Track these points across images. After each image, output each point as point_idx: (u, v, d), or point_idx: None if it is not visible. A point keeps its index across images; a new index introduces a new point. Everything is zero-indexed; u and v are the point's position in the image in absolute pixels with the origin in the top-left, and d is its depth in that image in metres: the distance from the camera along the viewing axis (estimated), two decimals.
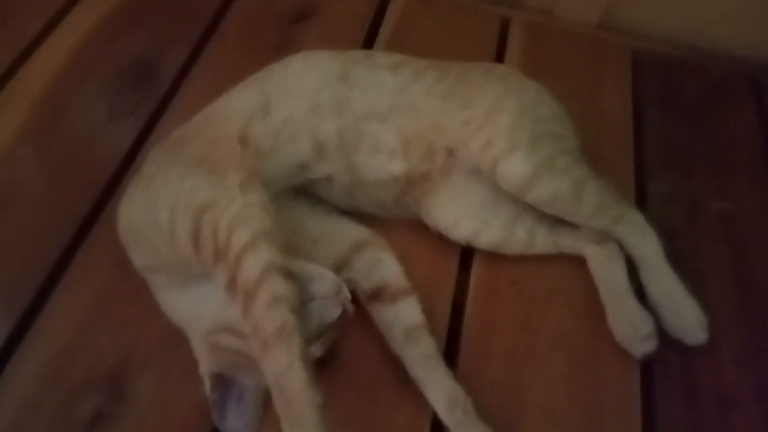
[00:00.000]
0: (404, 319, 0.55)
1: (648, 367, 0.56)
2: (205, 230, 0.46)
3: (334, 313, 0.47)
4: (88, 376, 0.52)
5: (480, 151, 0.56)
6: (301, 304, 0.45)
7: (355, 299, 0.55)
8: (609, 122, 0.74)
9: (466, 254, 0.62)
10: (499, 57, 0.79)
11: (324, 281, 0.47)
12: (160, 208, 0.50)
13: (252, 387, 0.49)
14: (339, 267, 0.57)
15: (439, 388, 0.51)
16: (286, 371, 0.40)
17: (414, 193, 0.60)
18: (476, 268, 0.61)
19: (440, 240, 0.61)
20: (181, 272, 0.50)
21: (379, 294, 0.56)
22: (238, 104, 0.57)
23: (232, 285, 0.44)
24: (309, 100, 0.57)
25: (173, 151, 0.56)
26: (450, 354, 0.56)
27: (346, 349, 0.55)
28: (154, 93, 0.71)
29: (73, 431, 0.50)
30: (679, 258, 0.58)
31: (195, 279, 0.50)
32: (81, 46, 0.75)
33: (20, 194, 0.63)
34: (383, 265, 0.57)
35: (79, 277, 0.58)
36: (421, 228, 0.61)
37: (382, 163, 0.58)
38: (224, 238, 0.45)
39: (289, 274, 0.44)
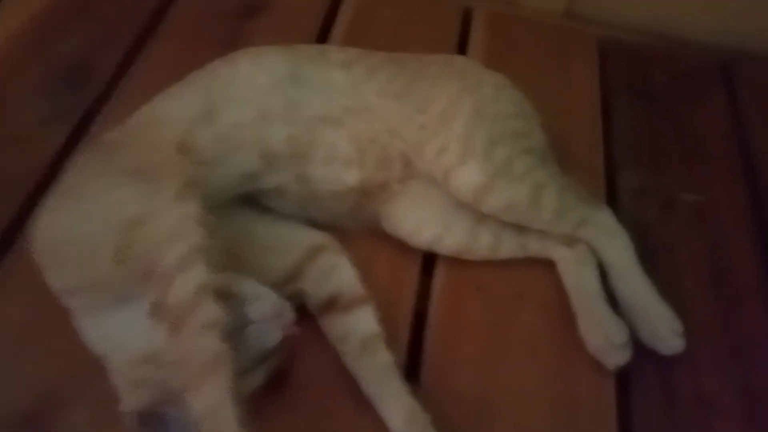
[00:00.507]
0: (359, 329, 0.51)
1: (624, 372, 0.53)
2: (132, 246, 0.42)
3: (275, 338, 0.43)
4: (9, 410, 0.47)
5: (434, 159, 0.53)
6: (238, 329, 0.41)
7: (307, 312, 0.52)
8: (577, 114, 0.71)
9: (429, 259, 0.58)
10: (462, 49, 0.76)
11: (263, 302, 0.43)
12: (84, 222, 0.45)
13: (188, 421, 0.44)
14: (290, 277, 0.53)
15: (395, 404, 0.48)
16: (215, 409, 0.37)
17: (371, 203, 0.56)
18: (439, 274, 0.58)
19: (401, 245, 0.57)
20: (103, 295, 0.45)
21: (332, 304, 0.52)
22: (178, 107, 0.53)
23: (159, 308, 0.40)
24: (257, 106, 0.53)
25: (103, 158, 0.51)
26: (412, 367, 0.52)
27: (298, 369, 0.51)
28: (88, 95, 0.66)
29: None
30: (651, 255, 0.56)
31: (118, 303, 0.45)
32: (8, 47, 0.69)
33: None
34: (337, 272, 0.54)
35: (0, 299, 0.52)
36: (380, 233, 0.58)
37: (337, 173, 0.54)
38: (153, 256, 0.41)
39: (225, 297, 0.40)
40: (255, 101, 0.53)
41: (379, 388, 0.49)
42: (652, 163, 0.68)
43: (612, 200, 0.63)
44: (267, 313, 0.43)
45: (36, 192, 0.57)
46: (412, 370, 0.51)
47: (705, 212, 0.64)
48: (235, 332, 0.40)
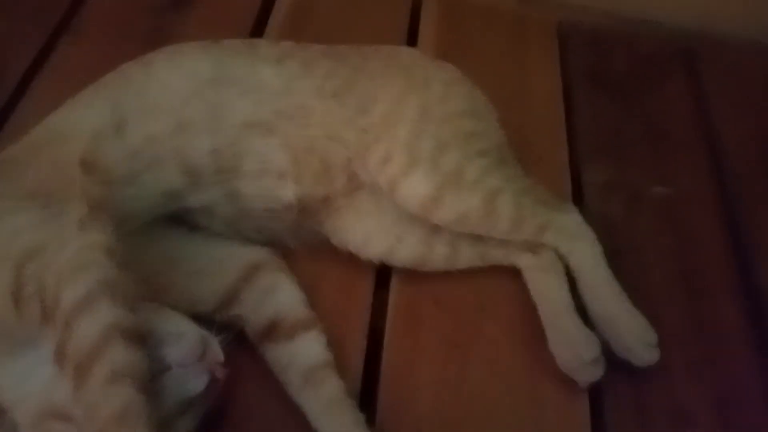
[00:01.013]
0: (303, 358, 0.46)
1: (596, 388, 0.49)
2: (28, 284, 0.37)
3: (198, 383, 0.39)
4: None
5: (378, 168, 0.49)
6: (156, 374, 0.37)
7: (246, 340, 0.47)
8: (538, 105, 0.67)
9: (383, 273, 0.54)
10: (412, 39, 0.72)
11: (185, 342, 0.39)
12: None
13: None
14: (225, 303, 0.48)
15: None
16: None
17: (312, 220, 0.52)
18: (394, 288, 0.53)
19: (351, 259, 0.52)
20: (1, 339, 0.40)
21: (272, 331, 0.47)
22: (83, 119, 0.48)
23: (60, 355, 0.35)
24: (175, 115, 0.48)
25: (1, 179, 0.45)
26: (368, 393, 0.48)
27: (240, 399, 0.46)
28: None
29: None
30: (619, 254, 0.53)
31: (19, 348, 0.39)
32: None
33: None
34: (277, 294, 0.49)
35: None
36: (327, 247, 0.53)
37: (270, 188, 0.49)
38: (53, 294, 0.36)
39: (138, 338, 0.36)
40: (172, 110, 0.48)
41: (327, 422, 0.44)
42: (617, 155, 0.65)
43: (577, 196, 0.61)
44: (189, 355, 0.39)
45: None
46: (368, 392, 0.47)
47: (673, 205, 0.62)
48: (153, 378, 0.36)
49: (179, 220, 0.50)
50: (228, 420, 0.45)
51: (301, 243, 0.53)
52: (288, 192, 0.49)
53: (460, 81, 0.55)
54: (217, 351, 0.40)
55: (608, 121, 0.68)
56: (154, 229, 0.48)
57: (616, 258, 0.52)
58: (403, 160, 0.49)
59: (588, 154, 0.64)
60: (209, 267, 0.49)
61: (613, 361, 0.48)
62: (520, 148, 0.56)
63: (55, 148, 0.46)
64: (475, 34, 0.73)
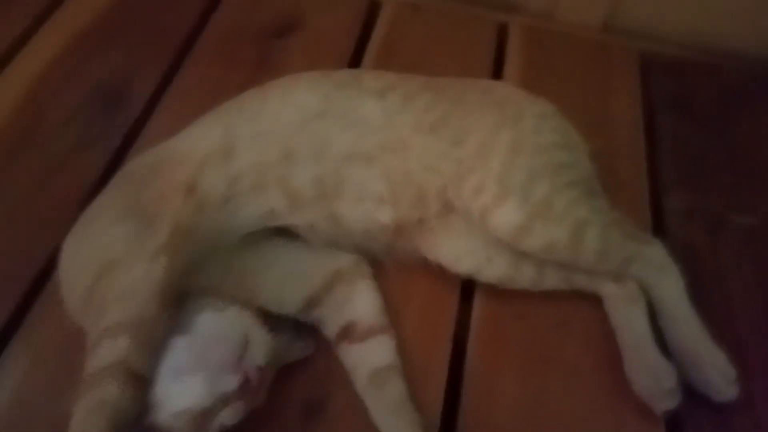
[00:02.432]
0: (370, 360, 0.49)
1: (677, 416, 0.49)
2: (97, 292, 0.43)
3: (231, 382, 0.42)
4: None
5: (471, 197, 0.51)
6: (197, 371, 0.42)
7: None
8: (619, 132, 0.68)
9: (468, 287, 0.56)
10: (498, 65, 0.74)
11: (224, 343, 0.43)
12: (81, 253, 0.47)
13: None
14: (309, 305, 0.51)
15: None
16: None
17: (406, 241, 0.54)
18: (479, 301, 0.56)
19: (439, 272, 0.55)
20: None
21: (346, 333, 0.51)
22: (197, 143, 0.52)
23: (86, 362, 0.41)
24: (282, 145, 0.51)
25: (122, 190, 0.52)
26: (452, 398, 0.50)
27: (338, 394, 0.49)
28: (125, 119, 0.66)
29: None
30: (701, 283, 0.53)
31: None
32: (46, 71, 0.69)
33: None
34: (355, 301, 0.52)
35: (39, 326, 0.52)
36: (418, 261, 0.55)
37: (369, 211, 0.52)
38: (104, 309, 0.42)
39: (138, 381, 0.40)
40: (280, 139, 0.51)
41: (385, 421, 0.47)
42: (699, 183, 0.65)
43: (658, 224, 0.61)
44: (226, 355, 0.42)
45: (77, 218, 0.56)
46: (451, 404, 0.50)
47: (756, 234, 0.61)
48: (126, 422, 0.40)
49: (279, 229, 0.53)
50: (326, 410, 0.49)
51: (393, 258, 0.55)
52: (385, 216, 0.52)
53: (552, 115, 0.56)
54: (257, 355, 0.43)
55: (691, 149, 0.68)
56: (253, 236, 0.52)
57: (697, 286, 0.52)
58: (496, 191, 0.50)
59: (670, 182, 0.65)
60: (297, 272, 0.52)
61: (695, 392, 0.49)
62: (601, 174, 0.56)
63: (169, 170, 0.50)
64: (558, 60, 0.75)
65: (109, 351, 0.40)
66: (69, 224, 0.52)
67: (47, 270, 0.54)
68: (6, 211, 0.59)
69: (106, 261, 0.44)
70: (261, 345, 0.44)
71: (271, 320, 0.47)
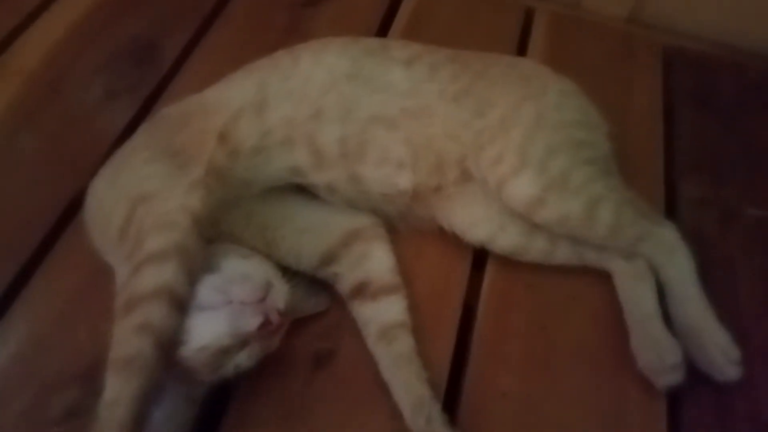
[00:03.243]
0: (381, 317, 0.51)
1: (676, 392, 0.50)
2: (134, 223, 0.44)
3: (252, 321, 0.43)
4: (63, 369, 0.48)
5: (489, 167, 0.52)
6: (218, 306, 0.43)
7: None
8: (638, 120, 0.69)
9: (480, 256, 0.57)
10: (521, 49, 0.75)
11: (248, 283, 0.44)
12: (115, 189, 0.48)
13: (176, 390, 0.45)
14: (326, 261, 0.53)
15: (405, 392, 0.47)
16: (112, 404, 0.38)
17: (423, 207, 0.55)
18: (490, 270, 0.57)
19: (452, 239, 0.56)
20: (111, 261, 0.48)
21: (360, 291, 0.52)
22: (232, 96, 0.53)
23: (122, 288, 0.42)
24: (312, 103, 0.52)
25: (155, 133, 0.53)
26: (459, 360, 0.51)
27: (346, 347, 0.51)
28: (154, 73, 0.67)
29: (45, 428, 0.46)
30: (709, 269, 0.54)
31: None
32: (81, 22, 0.71)
33: (6, 173, 0.59)
34: (370, 260, 0.53)
35: (60, 263, 0.54)
36: (432, 228, 0.57)
37: (389, 175, 0.53)
38: (141, 239, 0.43)
39: (181, 305, 0.41)
40: (311, 98, 0.52)
41: (393, 374, 0.49)
42: (714, 175, 0.66)
43: (671, 209, 0.62)
44: (249, 294, 0.43)
45: (103, 162, 0.57)
46: (459, 363, 0.51)
47: (767, 227, 0.62)
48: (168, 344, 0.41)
49: (300, 187, 0.54)
50: (335, 359, 0.50)
51: (408, 224, 0.56)
52: (405, 180, 0.53)
53: (575, 93, 0.57)
54: (278, 299, 0.44)
55: (708, 140, 0.68)
56: (275, 190, 0.53)
57: (704, 272, 0.53)
58: (514, 161, 0.51)
59: (685, 170, 0.65)
60: (316, 228, 0.53)
61: (696, 372, 0.49)
62: (618, 158, 0.57)
63: (204, 118, 0.52)
64: (582, 48, 0.75)
65: (153, 276, 0.41)
66: (93, 169, 0.54)
67: (71, 211, 0.56)
68: (34, 155, 0.61)
69: (142, 194, 0.45)
70: (281, 292, 0.45)
71: (288, 275, 0.48)
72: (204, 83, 0.56)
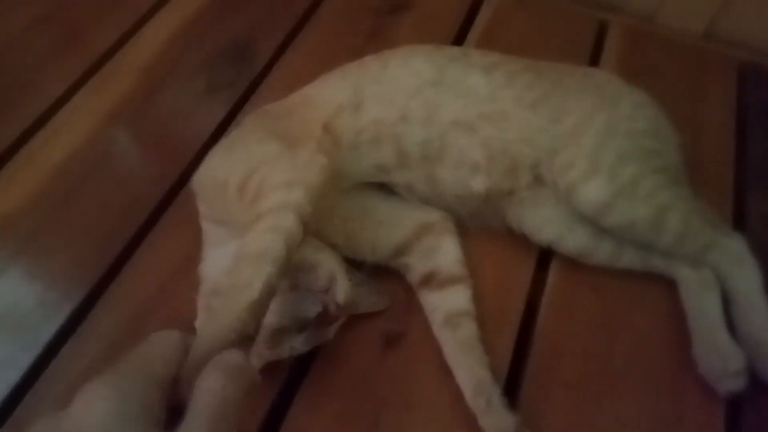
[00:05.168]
0: (447, 305, 0.53)
1: (736, 400, 0.51)
2: (252, 179, 0.47)
3: (312, 309, 0.46)
4: (162, 329, 0.53)
5: (561, 171, 0.54)
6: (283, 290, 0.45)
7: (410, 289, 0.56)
8: (709, 134, 0.70)
9: (545, 255, 0.60)
10: (594, 62, 0.77)
11: (314, 272, 0.46)
12: (230, 161, 0.52)
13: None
14: (399, 252, 0.56)
15: (468, 374, 0.50)
16: (243, 287, 0.39)
17: (494, 209, 0.58)
18: (554, 270, 0.59)
19: (519, 238, 0.59)
20: (221, 227, 0.52)
21: (428, 280, 0.55)
22: (332, 95, 0.58)
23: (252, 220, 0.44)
24: (400, 106, 0.56)
25: (261, 121, 0.58)
26: (521, 351, 0.54)
27: (414, 331, 0.54)
28: (249, 71, 0.73)
29: None
30: None
31: (225, 239, 0.51)
32: (186, 25, 0.78)
33: (116, 158, 0.66)
34: (439, 252, 0.56)
35: (162, 237, 0.60)
36: (500, 227, 0.60)
37: (464, 178, 0.56)
38: (263, 192, 0.45)
39: (306, 224, 0.43)
40: (398, 102, 0.56)
41: (456, 358, 0.51)
42: None
43: (739, 222, 0.62)
44: (313, 283, 0.46)
45: (203, 149, 0.65)
46: (521, 353, 0.53)
47: None
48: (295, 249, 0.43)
49: (380, 184, 0.58)
50: (404, 339, 0.54)
51: (480, 224, 0.59)
52: (479, 183, 0.56)
53: (648, 104, 0.58)
54: (339, 293, 0.46)
55: None
56: (357, 186, 0.57)
57: None
58: (585, 167, 0.53)
59: (755, 185, 0.65)
60: (392, 222, 0.57)
61: (758, 381, 0.50)
62: (688, 170, 0.58)
63: (306, 111, 0.57)
64: (655, 61, 0.76)
65: (281, 196, 0.44)
66: (195, 154, 0.61)
67: (175, 190, 0.63)
68: (145, 139, 0.68)
69: (260, 160, 0.49)
70: (343, 287, 0.48)
71: (352, 273, 0.51)
72: (294, 81, 0.61)
